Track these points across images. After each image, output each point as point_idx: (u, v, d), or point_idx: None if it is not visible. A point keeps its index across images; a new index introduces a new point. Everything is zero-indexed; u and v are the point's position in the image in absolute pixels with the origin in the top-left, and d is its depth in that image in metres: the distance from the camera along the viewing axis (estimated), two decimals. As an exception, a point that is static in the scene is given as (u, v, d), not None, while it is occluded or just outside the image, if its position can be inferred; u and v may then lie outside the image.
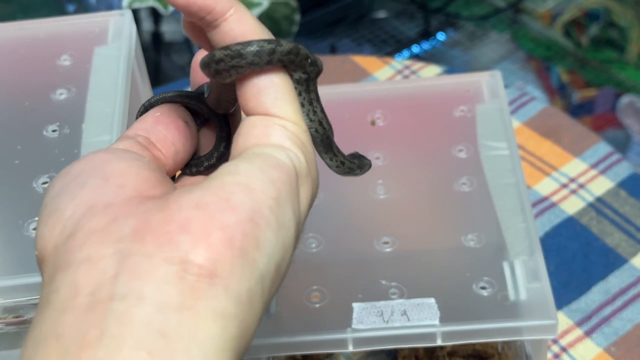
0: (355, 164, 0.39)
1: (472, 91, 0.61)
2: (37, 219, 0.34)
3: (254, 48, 0.32)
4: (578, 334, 0.61)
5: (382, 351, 0.59)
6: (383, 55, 1.20)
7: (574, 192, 0.70)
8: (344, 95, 0.64)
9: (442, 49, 1.47)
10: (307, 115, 0.35)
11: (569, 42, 1.44)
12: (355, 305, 0.49)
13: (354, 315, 0.48)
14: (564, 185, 0.71)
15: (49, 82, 0.55)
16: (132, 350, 0.26)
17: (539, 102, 0.78)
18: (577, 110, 1.39)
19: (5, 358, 0.49)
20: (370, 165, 0.40)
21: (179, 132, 0.36)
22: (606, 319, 0.62)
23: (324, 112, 0.35)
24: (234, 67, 0.32)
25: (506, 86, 0.77)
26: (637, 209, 0.69)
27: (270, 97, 0.33)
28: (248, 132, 0.33)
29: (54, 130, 0.53)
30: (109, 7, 1.28)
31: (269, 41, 0.32)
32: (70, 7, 1.31)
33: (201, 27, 0.34)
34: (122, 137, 0.35)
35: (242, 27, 0.33)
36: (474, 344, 0.55)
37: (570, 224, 0.68)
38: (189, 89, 0.39)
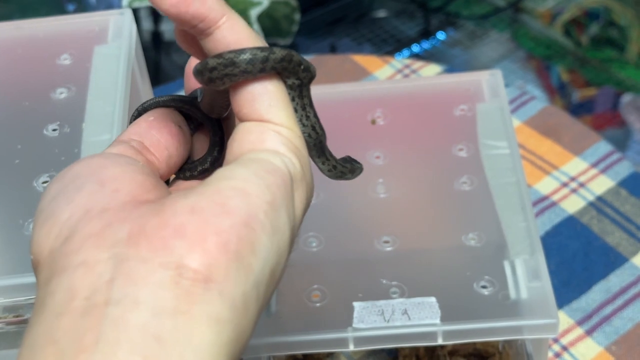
0: (347, 168, 0.39)
1: (473, 90, 0.61)
2: (37, 218, 0.34)
3: (247, 56, 0.32)
4: (579, 333, 0.61)
5: (382, 350, 0.59)
6: (383, 55, 1.20)
7: (574, 191, 0.70)
8: (344, 95, 0.64)
9: (442, 48, 1.47)
10: (301, 120, 0.35)
11: (569, 41, 1.43)
12: (355, 304, 0.49)
13: (355, 315, 0.48)
14: (565, 184, 0.71)
15: (49, 81, 0.55)
16: (127, 355, 0.26)
17: (539, 101, 0.78)
18: (577, 110, 1.39)
19: (5, 357, 0.49)
20: (361, 170, 0.40)
21: (173, 137, 0.36)
22: (607, 318, 0.62)
23: (317, 117, 0.36)
24: (227, 75, 0.32)
25: (506, 85, 0.77)
26: (638, 207, 0.69)
27: (265, 104, 0.33)
28: (243, 138, 0.33)
29: (54, 130, 0.53)
30: (109, 6, 1.28)
31: (262, 49, 0.32)
32: (70, 7, 1.31)
33: (193, 35, 0.34)
34: (116, 141, 0.35)
35: (235, 34, 0.33)
36: (474, 343, 0.55)
37: (570, 223, 0.68)
38: (183, 93, 0.39)
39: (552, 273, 0.61)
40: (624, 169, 0.72)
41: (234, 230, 0.29)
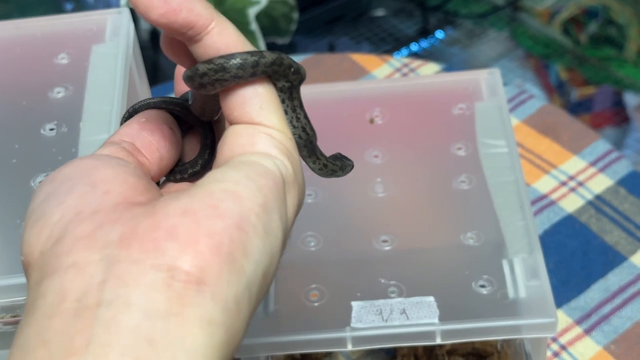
0: (338, 166, 0.39)
1: (471, 89, 0.61)
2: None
3: (237, 61, 0.32)
4: (577, 332, 0.61)
5: (381, 350, 0.59)
6: (382, 54, 1.20)
7: (573, 190, 0.70)
8: (342, 94, 0.64)
9: (440, 47, 1.47)
10: (291, 122, 0.35)
11: (568, 39, 1.43)
12: (354, 303, 0.49)
13: (353, 314, 0.48)
14: (563, 183, 0.71)
15: (47, 80, 0.55)
16: (119, 357, 0.26)
17: (537, 100, 0.78)
18: (576, 108, 1.39)
19: (3, 357, 0.49)
20: (352, 166, 0.41)
21: (164, 139, 0.35)
22: (606, 317, 0.62)
23: (308, 118, 0.36)
24: (218, 80, 0.32)
25: (505, 84, 0.77)
26: (637, 206, 0.69)
27: (255, 107, 0.33)
28: (233, 141, 0.33)
29: (51, 129, 0.52)
30: (107, 5, 1.28)
31: (252, 53, 0.32)
32: (68, 6, 1.31)
33: (180, 45, 0.34)
34: (107, 142, 0.35)
35: (224, 39, 0.32)
36: (473, 343, 0.55)
37: (569, 221, 0.68)
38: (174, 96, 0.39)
39: (551, 272, 0.61)
40: (623, 167, 0.72)
41: (226, 232, 0.29)
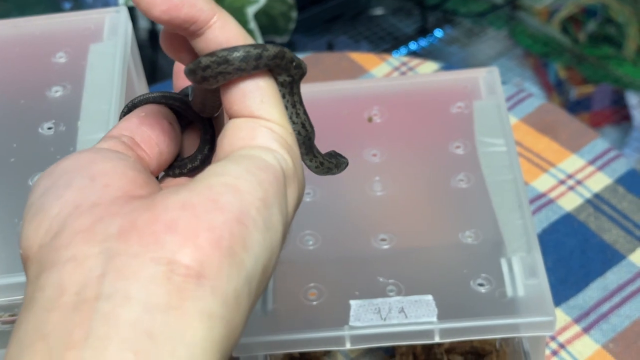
0: (333, 163, 0.39)
1: (470, 87, 0.61)
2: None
3: (240, 53, 0.32)
4: (576, 330, 0.61)
5: (379, 348, 0.59)
6: (380, 52, 1.19)
7: (571, 188, 0.70)
8: (341, 92, 0.64)
9: (439, 46, 1.47)
10: (291, 117, 0.35)
11: (567, 38, 1.43)
12: (352, 302, 0.49)
13: (352, 313, 0.48)
14: (562, 182, 0.71)
15: (45, 79, 0.55)
16: (118, 351, 0.26)
17: (536, 99, 0.78)
18: (575, 107, 1.39)
19: (2, 356, 0.49)
20: (346, 164, 0.41)
21: (164, 133, 0.35)
22: (604, 316, 0.62)
23: (307, 114, 0.36)
24: (221, 73, 0.32)
25: (503, 83, 0.77)
26: (635, 205, 0.69)
27: (256, 101, 0.33)
28: (234, 135, 0.33)
29: (49, 128, 0.52)
30: (105, 4, 1.28)
31: (255, 46, 0.32)
32: (67, 5, 1.31)
33: (179, 41, 0.34)
34: (106, 136, 0.35)
35: (226, 33, 0.33)
36: (472, 341, 0.55)
37: (568, 220, 0.68)
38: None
39: (549, 270, 0.61)
40: (622, 166, 0.72)
41: (227, 226, 0.29)
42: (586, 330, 0.61)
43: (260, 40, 1.04)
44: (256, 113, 0.33)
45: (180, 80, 0.38)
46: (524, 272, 0.49)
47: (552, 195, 0.70)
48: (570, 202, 0.69)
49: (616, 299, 0.63)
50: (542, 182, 0.71)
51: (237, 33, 0.33)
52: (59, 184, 0.31)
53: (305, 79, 0.36)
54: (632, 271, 0.64)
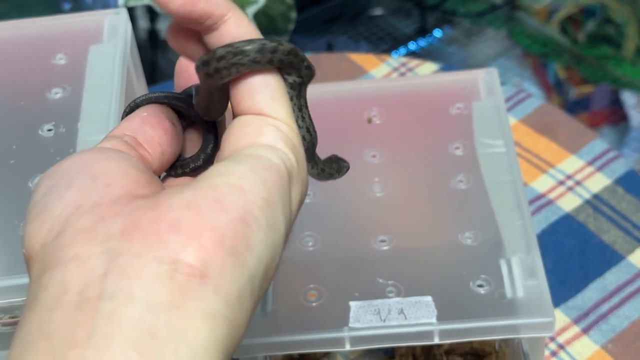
0: (334, 169, 0.39)
1: (469, 88, 0.61)
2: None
3: (257, 45, 0.32)
4: (575, 331, 0.61)
5: (379, 350, 0.59)
6: (380, 53, 1.20)
7: (570, 189, 0.70)
8: (340, 93, 0.64)
9: (438, 46, 1.47)
10: (296, 121, 0.35)
11: (566, 38, 1.43)
12: (352, 303, 0.49)
13: (351, 314, 0.48)
14: (561, 183, 0.71)
15: (45, 81, 0.55)
16: (121, 350, 0.26)
17: (535, 99, 0.78)
18: (574, 107, 1.39)
19: (2, 358, 0.49)
20: (347, 168, 0.41)
21: (166, 133, 0.35)
22: (603, 316, 0.62)
23: (311, 119, 0.36)
24: (235, 64, 0.32)
25: (503, 83, 0.77)
26: (634, 205, 0.69)
27: (266, 97, 0.33)
28: (241, 131, 0.33)
29: (49, 130, 0.52)
30: (105, 5, 1.28)
31: (271, 40, 0.33)
32: (66, 6, 1.31)
33: (186, 35, 0.34)
34: (108, 136, 0.35)
35: (240, 29, 0.33)
36: (471, 342, 0.55)
37: (567, 221, 0.68)
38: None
39: (549, 271, 0.61)
40: (620, 166, 0.72)
41: (230, 226, 0.29)
42: (585, 331, 0.61)
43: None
44: (264, 110, 0.33)
45: (182, 80, 0.38)
46: (523, 273, 0.49)
47: (551, 196, 0.70)
48: (569, 203, 0.69)
49: (615, 300, 0.63)
50: (541, 183, 0.71)
51: (251, 30, 0.34)
52: (60, 184, 0.31)
53: (303, 80, 0.36)
54: (631, 272, 0.64)
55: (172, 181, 0.37)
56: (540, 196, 0.70)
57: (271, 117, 0.33)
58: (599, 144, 0.74)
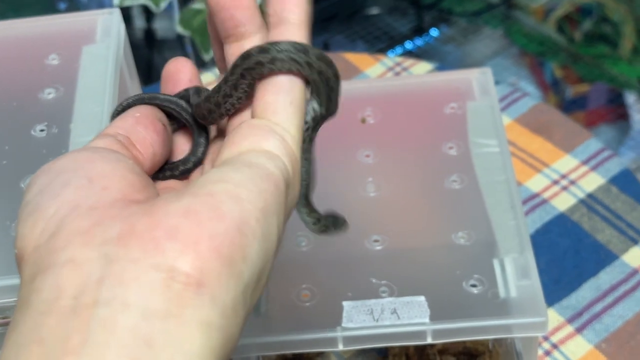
0: (330, 221, 0.40)
1: (463, 88, 0.61)
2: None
3: (317, 50, 0.34)
4: (569, 330, 0.61)
5: (372, 349, 0.59)
6: (376, 52, 1.20)
7: (565, 188, 0.70)
8: (334, 93, 0.63)
9: (435, 45, 1.47)
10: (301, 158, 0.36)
11: (562, 37, 1.43)
12: (345, 303, 0.49)
13: (344, 314, 0.48)
14: (555, 182, 0.71)
15: (37, 81, 0.55)
16: (116, 358, 0.26)
17: (530, 99, 0.78)
18: (571, 106, 1.39)
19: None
20: (346, 225, 0.42)
21: (158, 135, 0.35)
22: (597, 316, 0.62)
23: (314, 162, 0.37)
24: (291, 60, 0.33)
25: (500, 82, 0.77)
26: (629, 205, 0.69)
27: (287, 100, 0.34)
28: (248, 132, 0.33)
29: (41, 130, 0.52)
30: (100, 5, 1.28)
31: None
32: (62, 5, 1.31)
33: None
34: (102, 134, 0.34)
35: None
36: (464, 342, 0.55)
37: (561, 220, 0.68)
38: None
39: (543, 271, 0.61)
40: (615, 166, 0.72)
41: (228, 235, 0.28)
42: (579, 330, 0.61)
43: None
44: (279, 111, 0.33)
45: (170, 85, 0.38)
46: (517, 273, 0.49)
47: (546, 195, 0.70)
48: (563, 202, 0.69)
49: (609, 299, 0.63)
50: (536, 182, 0.71)
51: None
52: (55, 182, 0.30)
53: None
54: (625, 271, 0.64)
55: (159, 184, 0.37)
56: (535, 195, 0.70)
57: (280, 126, 0.33)
58: (593, 143, 0.74)
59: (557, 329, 0.61)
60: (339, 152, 0.60)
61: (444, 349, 0.56)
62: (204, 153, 0.37)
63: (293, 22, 0.34)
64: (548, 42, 1.44)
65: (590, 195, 0.70)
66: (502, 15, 1.50)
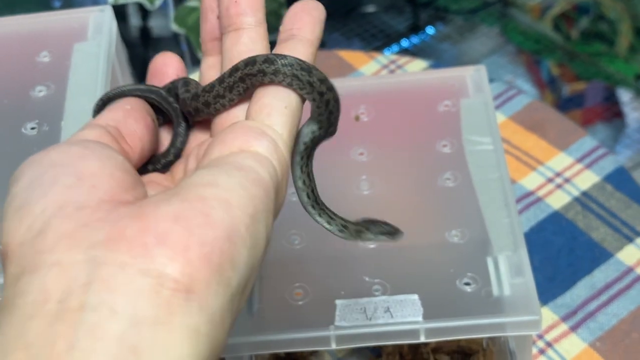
0: (364, 227, 0.42)
1: (457, 86, 0.61)
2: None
3: (320, 73, 0.34)
4: (563, 329, 0.61)
5: (366, 348, 0.59)
6: (372, 50, 1.19)
7: (559, 186, 0.70)
8: (327, 91, 0.63)
9: (431, 43, 1.47)
10: (301, 181, 0.37)
11: (559, 35, 1.43)
12: (338, 302, 0.49)
13: (337, 313, 0.48)
14: (550, 180, 0.71)
15: (28, 79, 0.55)
16: None
17: (525, 96, 0.78)
18: (567, 104, 1.39)
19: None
20: (397, 232, 0.43)
21: (147, 129, 0.35)
22: (591, 314, 0.62)
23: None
24: (293, 76, 0.34)
25: (496, 80, 0.77)
26: (623, 203, 0.69)
27: (282, 104, 0.34)
28: (241, 131, 0.33)
29: (32, 128, 0.52)
30: (95, 2, 1.27)
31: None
32: (57, 3, 1.30)
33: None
34: (92, 124, 0.34)
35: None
36: (458, 340, 0.55)
37: (555, 218, 0.68)
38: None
39: (537, 269, 0.61)
40: (610, 164, 0.72)
41: (217, 243, 0.28)
42: (573, 328, 0.61)
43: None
44: (274, 115, 0.33)
45: (157, 79, 0.38)
46: (510, 271, 0.49)
47: (540, 193, 0.70)
48: (558, 200, 0.69)
49: (603, 298, 0.62)
50: (530, 180, 0.71)
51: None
52: (44, 178, 0.30)
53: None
54: (619, 269, 0.64)
55: (143, 177, 0.36)
56: (529, 193, 0.70)
57: (272, 128, 0.33)
58: (588, 141, 0.73)
59: (552, 327, 0.61)
60: (332, 150, 0.59)
61: (438, 348, 0.56)
62: (183, 143, 0.37)
63: (302, 40, 0.35)
64: (544, 40, 1.44)
65: (584, 193, 0.69)
66: (498, 13, 1.50)
